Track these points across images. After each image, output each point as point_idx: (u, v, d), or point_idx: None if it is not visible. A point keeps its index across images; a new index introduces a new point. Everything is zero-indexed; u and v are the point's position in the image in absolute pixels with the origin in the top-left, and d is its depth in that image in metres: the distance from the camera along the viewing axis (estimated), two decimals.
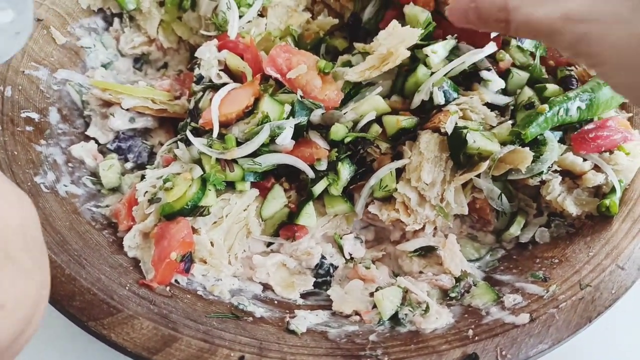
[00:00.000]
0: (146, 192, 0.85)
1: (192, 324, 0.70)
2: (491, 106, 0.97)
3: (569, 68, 1.00)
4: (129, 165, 1.00)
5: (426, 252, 0.90)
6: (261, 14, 1.09)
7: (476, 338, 0.70)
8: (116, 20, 1.14)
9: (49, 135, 0.93)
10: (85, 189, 0.91)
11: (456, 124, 0.89)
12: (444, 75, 0.94)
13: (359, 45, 1.03)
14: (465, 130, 0.87)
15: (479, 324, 0.73)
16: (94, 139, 0.99)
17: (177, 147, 0.90)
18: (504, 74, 0.99)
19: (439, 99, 0.92)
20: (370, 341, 0.72)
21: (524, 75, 0.99)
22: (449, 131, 0.88)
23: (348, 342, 0.72)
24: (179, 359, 0.66)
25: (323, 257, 0.88)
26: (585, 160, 0.89)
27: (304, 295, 0.86)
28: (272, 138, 0.87)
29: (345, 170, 0.88)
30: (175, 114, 0.98)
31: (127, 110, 0.96)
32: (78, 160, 0.95)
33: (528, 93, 0.97)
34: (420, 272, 0.87)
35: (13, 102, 0.91)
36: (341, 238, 0.91)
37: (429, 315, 0.75)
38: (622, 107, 1.02)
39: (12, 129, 0.87)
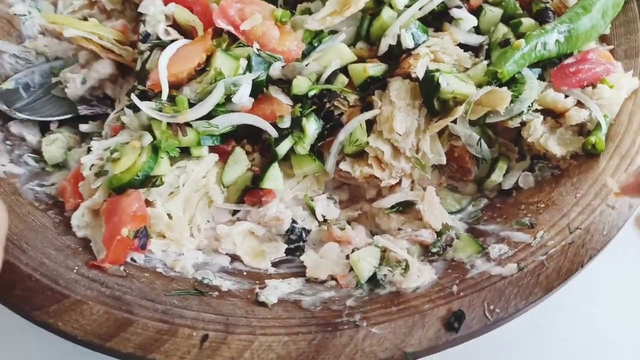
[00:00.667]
0: (92, 165, 0.77)
1: (150, 304, 0.63)
2: (464, 47, 0.91)
3: (544, 1, 0.93)
4: None
5: (404, 207, 0.84)
6: None
7: (461, 294, 0.65)
8: None
9: None
10: (27, 168, 0.83)
11: (427, 67, 0.82)
12: (412, 16, 0.87)
13: None
14: (437, 74, 0.80)
15: (463, 279, 0.68)
16: None
17: (125, 114, 0.81)
18: (476, 12, 0.93)
19: (408, 42, 0.85)
20: (347, 307, 0.66)
21: (497, 12, 0.93)
22: (420, 76, 0.81)
23: (324, 310, 0.66)
24: (136, 343, 0.59)
25: (294, 221, 0.82)
26: (567, 96, 0.83)
27: (275, 264, 0.79)
28: (228, 97, 0.79)
29: (312, 126, 0.81)
30: (123, 60, 0.89)
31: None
32: (18, 137, 0.86)
33: (503, 30, 0.90)
34: (399, 229, 0.82)
35: None
36: (312, 200, 0.84)
37: (409, 273, 0.69)
38: (602, 39, 0.96)
39: None
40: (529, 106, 0.81)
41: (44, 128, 0.89)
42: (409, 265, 0.70)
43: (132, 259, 0.72)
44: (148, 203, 0.75)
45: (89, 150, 0.80)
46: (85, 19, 1.04)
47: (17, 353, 0.78)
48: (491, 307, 0.64)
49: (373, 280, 0.71)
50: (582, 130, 0.85)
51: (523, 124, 0.84)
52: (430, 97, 0.81)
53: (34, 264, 0.65)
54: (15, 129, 0.86)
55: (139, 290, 0.66)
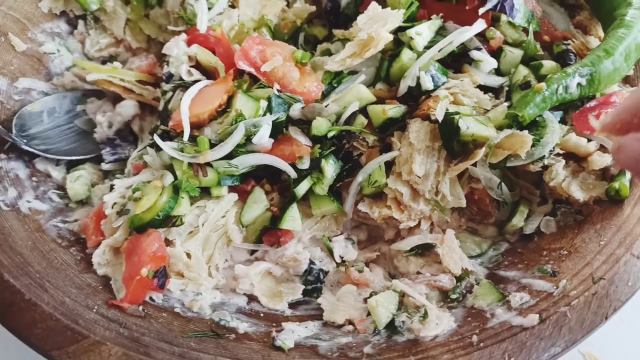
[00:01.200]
0: (115, 203, 0.78)
1: (167, 347, 0.64)
2: (484, 88, 0.91)
3: (566, 42, 0.93)
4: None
5: (423, 250, 0.83)
6: (232, 5, 1.03)
7: (481, 344, 0.64)
8: (80, 22, 1.08)
9: (9, 148, 0.87)
10: (52, 204, 0.85)
11: (447, 109, 0.83)
12: (431, 58, 0.88)
13: (338, 32, 0.97)
14: (457, 116, 0.80)
15: (483, 328, 0.66)
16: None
17: (147, 154, 0.83)
18: (496, 53, 0.93)
19: (427, 83, 0.86)
20: (364, 354, 0.65)
21: (517, 53, 0.93)
22: (440, 118, 0.81)
23: (340, 357, 0.65)
24: None
25: (312, 262, 0.82)
26: (589, 140, 0.82)
27: (293, 305, 0.79)
28: (249, 137, 0.80)
29: (330, 168, 0.81)
30: (144, 99, 0.92)
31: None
32: (43, 173, 0.89)
33: (523, 72, 0.90)
34: (418, 273, 0.81)
35: None
36: (330, 240, 0.84)
37: (428, 320, 0.68)
38: (626, 80, 0.96)
39: None
40: (550, 150, 0.80)
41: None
42: (427, 312, 0.69)
43: (150, 298, 0.73)
44: (168, 242, 0.76)
45: (111, 188, 0.82)
46: (111, 56, 1.09)
47: None
48: (512, 359, 0.62)
49: (391, 327, 0.70)
50: (606, 174, 0.84)
51: (545, 167, 0.83)
52: (450, 139, 0.81)
53: (55, 302, 0.66)
54: (41, 165, 0.89)
55: (156, 331, 0.66)
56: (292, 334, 0.69)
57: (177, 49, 0.89)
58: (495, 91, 0.91)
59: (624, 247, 0.72)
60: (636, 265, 0.70)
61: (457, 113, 0.81)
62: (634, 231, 0.73)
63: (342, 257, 0.84)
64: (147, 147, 0.84)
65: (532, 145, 0.80)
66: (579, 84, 0.84)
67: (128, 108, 0.91)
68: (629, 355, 0.91)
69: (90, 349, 0.62)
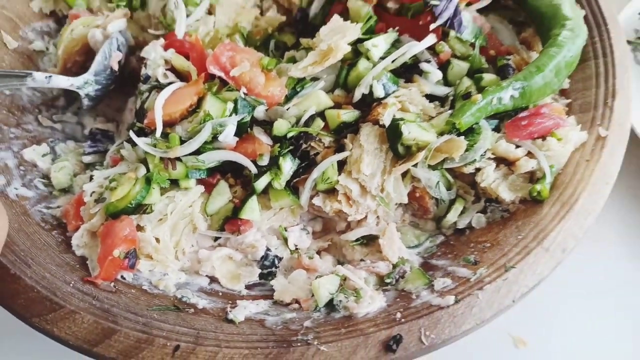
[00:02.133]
0: (93, 192, 0.88)
1: (133, 317, 0.74)
2: (432, 97, 1.01)
3: (507, 57, 1.03)
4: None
5: (368, 240, 0.94)
6: (210, 12, 1.11)
7: (402, 320, 0.74)
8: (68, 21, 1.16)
9: (0, 139, 0.96)
10: (37, 191, 0.94)
11: (394, 116, 0.92)
12: (385, 69, 0.97)
13: (304, 41, 1.06)
14: (401, 122, 0.90)
15: (407, 307, 0.77)
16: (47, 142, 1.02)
17: (124, 148, 0.92)
18: (445, 65, 1.02)
19: (379, 92, 0.95)
20: (304, 327, 0.76)
21: (464, 66, 1.02)
22: (387, 124, 0.91)
23: (283, 329, 0.76)
24: (118, 349, 0.69)
25: (268, 249, 0.92)
26: (518, 147, 0.92)
27: (249, 287, 0.89)
28: (215, 135, 0.90)
29: (287, 165, 0.91)
30: None
31: None
32: (30, 163, 0.98)
33: (466, 83, 1.00)
34: (362, 260, 0.91)
35: None
36: (286, 230, 0.94)
37: (361, 300, 0.78)
38: (562, 93, 1.06)
39: None
40: (482, 154, 0.90)
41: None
42: (361, 293, 0.80)
43: (122, 277, 0.83)
44: (139, 228, 0.85)
45: (91, 178, 0.92)
46: None
47: (17, 353, 0.89)
48: (427, 333, 0.73)
49: (330, 305, 0.80)
50: (533, 177, 0.94)
51: (478, 169, 0.93)
52: (394, 142, 0.91)
53: (37, 277, 0.76)
54: (28, 155, 0.97)
55: (125, 304, 0.76)
56: (243, 310, 0.80)
57: (155, 53, 0.98)
58: (441, 100, 1.01)
59: (537, 241, 0.82)
60: (544, 256, 0.80)
61: (401, 119, 0.91)
62: (547, 228, 0.83)
63: (296, 245, 0.94)
64: (124, 142, 0.93)
65: (466, 150, 0.90)
66: (512, 96, 0.94)
67: None
68: (552, 337, 1.02)
69: (66, 317, 0.72)
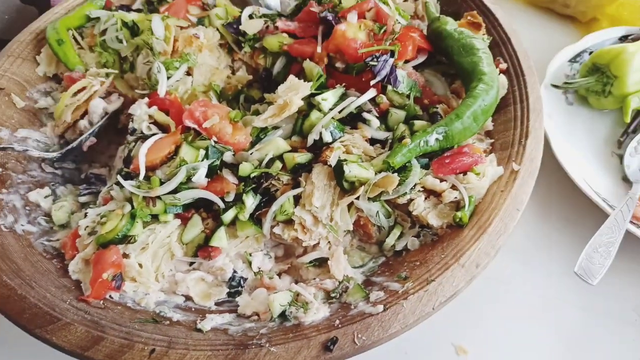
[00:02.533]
0: (87, 226, 1.05)
1: (117, 327, 0.89)
2: (374, 140, 1.19)
3: (436, 106, 1.22)
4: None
5: (321, 262, 1.10)
6: (188, 73, 1.31)
7: (339, 325, 0.90)
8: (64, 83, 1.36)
9: (9, 184, 1.14)
10: (40, 227, 1.11)
11: (339, 157, 1.10)
12: (332, 118, 1.16)
13: (267, 96, 1.25)
14: (344, 162, 1.08)
15: (345, 315, 0.92)
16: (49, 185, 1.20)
17: (113, 189, 1.10)
18: (385, 113, 1.21)
19: (327, 137, 1.13)
20: (260, 334, 0.91)
21: (401, 114, 1.20)
22: (333, 164, 1.09)
23: (242, 336, 0.91)
24: (105, 353, 0.85)
25: (235, 271, 1.08)
26: (443, 181, 1.10)
27: (218, 303, 1.05)
28: (189, 177, 1.07)
29: (249, 200, 1.08)
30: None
31: None
32: (34, 204, 1.15)
33: (402, 128, 1.18)
34: (314, 279, 1.07)
35: None
36: (250, 255, 1.11)
37: (309, 311, 0.94)
38: (488, 134, 1.24)
39: None
40: (411, 188, 1.08)
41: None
42: (309, 305, 0.96)
43: (110, 296, 0.99)
44: (125, 255, 1.02)
45: (85, 215, 1.09)
46: None
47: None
48: (359, 336, 0.88)
49: (283, 316, 0.96)
50: (459, 206, 1.11)
51: (411, 200, 1.11)
52: (340, 179, 1.08)
53: (39, 297, 0.92)
54: (32, 197, 1.15)
55: (111, 317, 0.92)
56: (211, 321, 0.95)
57: (140, 110, 1.17)
58: (382, 142, 1.19)
59: (455, 259, 0.98)
60: (460, 271, 0.96)
61: (345, 160, 1.09)
62: (464, 247, 1.00)
63: (259, 268, 1.10)
64: (114, 185, 1.11)
65: (399, 184, 1.07)
66: (437, 139, 1.12)
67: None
68: (490, 343, 1.17)
69: (63, 327, 0.88)
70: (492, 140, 1.21)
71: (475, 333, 1.20)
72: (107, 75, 1.27)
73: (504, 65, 1.30)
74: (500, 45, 1.34)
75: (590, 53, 1.62)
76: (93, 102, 1.20)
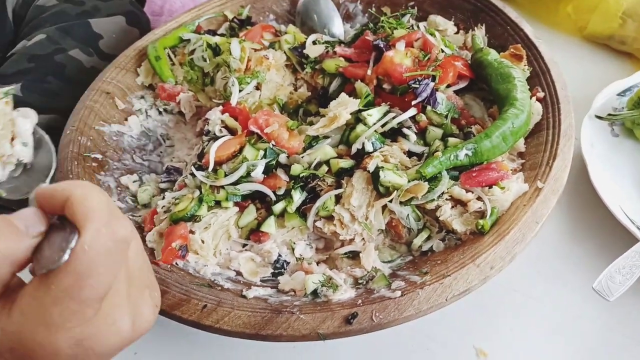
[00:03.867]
0: (163, 206, 1.28)
1: (179, 286, 1.09)
2: (412, 153, 1.34)
3: (470, 127, 1.35)
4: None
5: (354, 255, 1.25)
6: (257, 88, 1.53)
7: (361, 304, 1.04)
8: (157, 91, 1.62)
9: (107, 169, 1.40)
10: (127, 205, 1.35)
11: (377, 165, 1.26)
12: (375, 131, 1.33)
13: (322, 110, 1.44)
14: (381, 169, 1.23)
15: (367, 298, 1.06)
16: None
17: (187, 178, 1.33)
18: (424, 130, 1.36)
19: (369, 147, 1.29)
20: (293, 304, 1.07)
21: (438, 131, 1.34)
22: (371, 170, 1.25)
23: (278, 305, 1.07)
24: (167, 304, 1.04)
25: (280, 255, 1.25)
26: (469, 192, 1.22)
27: (264, 280, 1.22)
28: (249, 172, 1.28)
29: (297, 196, 1.26)
30: None
31: None
32: (124, 186, 1.40)
33: (437, 144, 1.32)
34: (346, 268, 1.23)
35: (86, 147, 1.39)
36: (294, 243, 1.28)
37: (337, 291, 1.10)
38: (520, 155, 1.35)
39: (83, 164, 1.35)
40: (439, 196, 1.21)
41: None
42: (338, 287, 1.11)
43: (176, 263, 1.19)
44: (191, 232, 1.23)
45: (163, 198, 1.32)
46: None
47: None
48: (376, 314, 1.02)
49: (315, 293, 1.11)
50: (483, 216, 1.23)
51: (439, 207, 1.24)
52: (376, 183, 1.24)
53: None
54: (124, 181, 1.40)
55: (175, 278, 1.12)
56: (254, 291, 1.12)
57: (215, 115, 1.40)
58: (419, 156, 1.34)
59: (471, 259, 1.09)
60: (475, 270, 1.07)
61: (381, 167, 1.24)
62: (482, 250, 1.11)
63: (301, 255, 1.27)
64: (188, 174, 1.34)
65: (428, 192, 1.21)
66: (467, 155, 1.24)
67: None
68: (509, 350, 1.25)
69: None
70: (523, 161, 1.32)
71: (496, 339, 1.28)
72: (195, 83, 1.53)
73: (541, 94, 1.40)
74: (540, 76, 1.45)
75: None
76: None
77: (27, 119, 1.05)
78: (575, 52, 1.99)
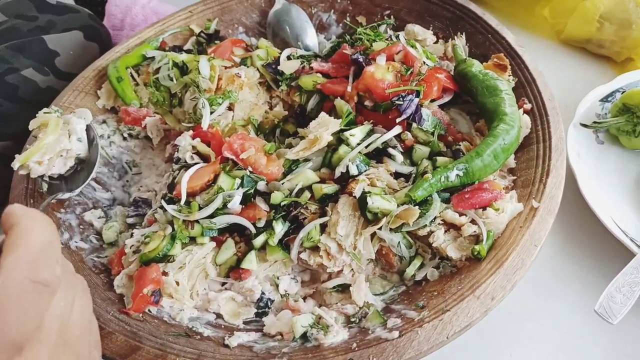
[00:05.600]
0: (132, 245, 1.16)
1: (153, 339, 0.98)
2: (399, 174, 1.26)
3: (459, 144, 1.28)
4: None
5: (343, 288, 1.16)
6: (230, 108, 1.43)
7: (356, 349, 0.95)
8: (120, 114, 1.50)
9: (67, 205, 1.27)
10: (91, 245, 1.23)
11: (363, 189, 1.17)
12: (359, 153, 1.24)
13: (300, 131, 1.34)
14: (368, 194, 1.15)
15: (363, 339, 0.98)
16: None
17: (157, 212, 1.21)
18: (410, 149, 1.28)
19: (353, 170, 1.20)
20: (282, 352, 0.98)
21: (425, 150, 1.27)
22: (357, 195, 1.16)
23: (265, 353, 0.98)
24: None
25: (263, 293, 1.15)
26: (462, 215, 1.15)
27: (247, 322, 1.12)
28: (225, 204, 1.17)
29: (279, 227, 1.16)
30: None
31: None
32: (88, 223, 1.28)
33: (425, 163, 1.24)
34: (336, 304, 1.13)
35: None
36: (278, 278, 1.18)
37: (329, 333, 1.00)
38: (510, 171, 1.29)
39: (40, 201, 1.22)
40: (431, 221, 1.13)
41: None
42: (329, 328, 1.02)
43: (148, 310, 1.08)
44: (164, 273, 1.12)
45: (132, 235, 1.20)
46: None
47: None
48: (374, 359, 0.94)
49: (304, 337, 1.02)
50: (478, 240, 1.15)
51: (431, 232, 1.16)
52: (363, 210, 1.15)
53: None
54: (86, 217, 1.28)
55: (149, 329, 1.01)
56: (238, 338, 1.03)
57: (185, 141, 1.29)
58: (406, 176, 1.26)
59: (470, 290, 1.02)
60: (475, 303, 1.00)
61: (369, 192, 1.16)
62: (480, 280, 1.04)
63: (286, 291, 1.18)
64: (158, 208, 1.22)
65: (419, 217, 1.13)
66: (457, 175, 1.17)
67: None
68: None
69: (106, 336, 0.97)
70: (514, 178, 1.25)
71: None
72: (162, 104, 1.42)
73: (528, 106, 1.34)
74: (526, 86, 1.39)
75: (623, 93, 1.64)
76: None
77: (82, 119, 1.32)
78: (553, 56, 1.95)
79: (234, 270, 1.17)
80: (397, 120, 1.26)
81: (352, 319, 1.07)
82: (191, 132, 1.32)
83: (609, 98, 1.67)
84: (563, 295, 1.30)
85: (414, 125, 1.27)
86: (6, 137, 1.48)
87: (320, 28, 1.74)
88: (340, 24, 1.73)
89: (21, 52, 1.61)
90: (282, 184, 1.22)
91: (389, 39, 1.50)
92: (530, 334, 1.26)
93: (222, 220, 1.16)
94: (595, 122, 1.59)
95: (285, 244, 1.19)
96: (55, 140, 1.22)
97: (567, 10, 1.91)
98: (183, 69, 1.46)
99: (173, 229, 1.16)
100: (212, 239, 1.18)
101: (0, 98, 1.51)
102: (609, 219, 1.37)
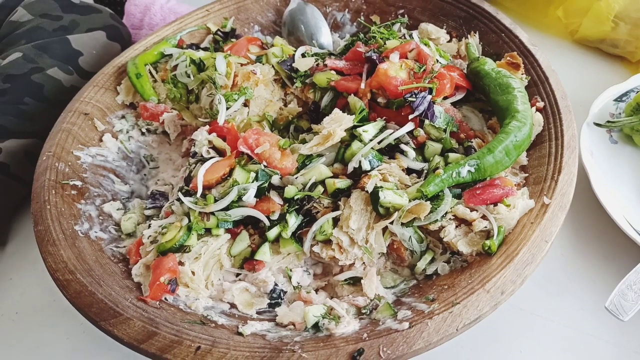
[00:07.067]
0: (150, 236, 1.19)
1: (170, 325, 1.01)
2: (411, 170, 1.28)
3: (471, 141, 1.29)
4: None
5: (355, 281, 1.18)
6: (245, 104, 1.45)
7: (367, 338, 0.97)
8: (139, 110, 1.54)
9: (87, 196, 1.31)
10: (110, 235, 1.27)
11: (376, 184, 1.19)
12: (372, 148, 1.26)
13: (314, 126, 1.37)
14: (380, 189, 1.16)
15: (373, 330, 0.99)
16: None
17: (174, 204, 1.24)
18: (422, 146, 1.30)
19: (365, 166, 1.22)
20: (294, 341, 1.00)
21: (437, 146, 1.28)
22: (369, 190, 1.18)
23: (278, 342, 1.00)
24: (157, 347, 0.96)
25: (276, 284, 1.18)
26: (473, 210, 1.16)
27: (260, 312, 1.14)
28: (240, 197, 1.20)
29: (292, 220, 1.19)
30: None
31: None
32: (107, 214, 1.31)
33: (437, 159, 1.25)
34: (348, 296, 1.15)
35: (64, 174, 1.30)
36: (291, 270, 1.20)
37: (340, 324, 1.02)
38: (522, 168, 1.30)
39: (61, 192, 1.25)
40: (442, 216, 1.15)
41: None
42: (340, 318, 1.04)
43: (165, 298, 1.11)
44: (180, 263, 1.15)
45: (149, 227, 1.23)
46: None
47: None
48: (384, 349, 0.95)
49: (316, 327, 1.04)
50: (489, 235, 1.17)
51: (442, 227, 1.17)
52: (375, 204, 1.17)
53: (106, 294, 1.06)
54: (105, 208, 1.31)
55: (165, 316, 1.04)
56: (251, 327, 1.05)
57: (201, 136, 1.32)
58: (418, 172, 1.27)
59: (481, 284, 1.03)
60: (485, 296, 1.01)
61: (381, 187, 1.18)
62: (490, 274, 1.05)
63: (298, 283, 1.20)
64: (175, 200, 1.25)
65: (431, 212, 1.14)
66: (469, 171, 1.18)
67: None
68: None
69: (123, 322, 1.01)
70: (526, 175, 1.26)
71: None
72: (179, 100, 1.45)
73: (540, 104, 1.35)
74: (539, 85, 1.40)
75: (637, 92, 1.64)
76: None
77: None
78: (567, 56, 1.95)
79: (248, 262, 1.19)
80: (410, 117, 1.28)
81: (363, 311, 1.08)
82: (207, 127, 1.35)
83: (623, 98, 1.67)
84: (574, 292, 1.31)
85: (427, 122, 1.28)
86: (31, 134, 1.53)
87: (335, 27, 1.76)
88: (355, 23, 1.75)
89: (46, 51, 1.65)
90: (296, 178, 1.24)
91: (403, 37, 1.51)
92: (541, 330, 1.26)
93: (236, 213, 1.19)
94: (609, 122, 1.59)
95: (298, 237, 1.22)
96: None
97: (581, 10, 1.91)
98: (200, 66, 1.49)
99: (189, 221, 1.18)
100: (227, 230, 1.21)
101: (26, 97, 1.55)
102: (621, 218, 1.37)
